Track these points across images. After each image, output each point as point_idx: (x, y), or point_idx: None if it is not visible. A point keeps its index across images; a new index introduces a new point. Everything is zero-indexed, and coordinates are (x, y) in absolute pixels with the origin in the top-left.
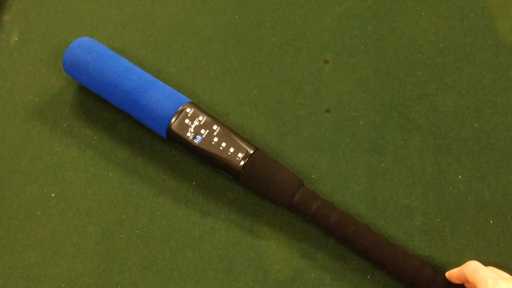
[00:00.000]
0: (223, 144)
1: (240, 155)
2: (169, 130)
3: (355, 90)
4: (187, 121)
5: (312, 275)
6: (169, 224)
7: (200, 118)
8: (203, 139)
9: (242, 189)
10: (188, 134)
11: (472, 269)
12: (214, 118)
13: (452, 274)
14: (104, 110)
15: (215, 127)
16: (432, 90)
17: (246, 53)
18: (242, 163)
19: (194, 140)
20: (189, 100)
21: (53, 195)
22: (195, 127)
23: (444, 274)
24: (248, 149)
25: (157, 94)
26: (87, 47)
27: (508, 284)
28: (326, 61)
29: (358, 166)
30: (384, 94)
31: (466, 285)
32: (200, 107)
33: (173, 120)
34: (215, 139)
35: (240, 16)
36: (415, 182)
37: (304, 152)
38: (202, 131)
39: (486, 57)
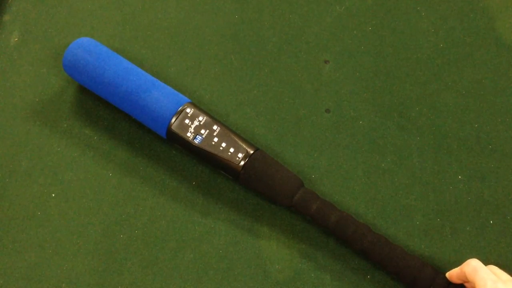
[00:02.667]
0: (223, 144)
1: (240, 155)
2: (169, 130)
3: (355, 90)
4: (187, 121)
5: (312, 275)
6: (169, 224)
7: (200, 118)
8: (203, 139)
9: (242, 189)
10: (188, 134)
11: (472, 268)
12: (214, 118)
13: (453, 273)
14: (104, 110)
15: (215, 127)
16: (432, 90)
17: (246, 53)
18: (242, 163)
19: (194, 140)
20: (189, 100)
21: (53, 195)
22: (195, 127)
23: (444, 275)
24: (248, 149)
25: (157, 95)
26: (87, 48)
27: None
28: (326, 61)
29: (358, 166)
30: (384, 94)
31: (466, 284)
32: (200, 107)
33: (173, 120)
34: (215, 139)
35: (240, 16)
36: (415, 182)
37: (304, 152)
38: (202, 131)
39: (486, 57)
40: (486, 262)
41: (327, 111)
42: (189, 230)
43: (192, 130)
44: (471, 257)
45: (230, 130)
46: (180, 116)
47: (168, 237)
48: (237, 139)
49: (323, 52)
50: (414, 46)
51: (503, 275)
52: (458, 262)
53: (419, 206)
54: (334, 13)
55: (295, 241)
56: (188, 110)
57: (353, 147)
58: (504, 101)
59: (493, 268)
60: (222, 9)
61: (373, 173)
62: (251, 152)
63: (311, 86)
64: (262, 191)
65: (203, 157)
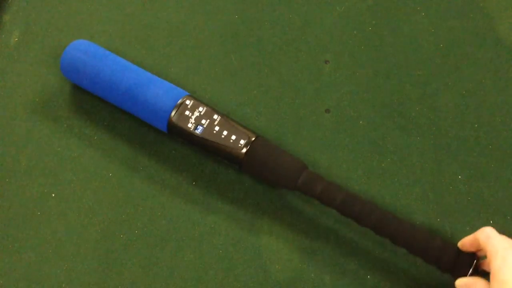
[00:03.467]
0: (225, 133)
1: (242, 142)
2: (169, 123)
3: (355, 90)
4: (187, 112)
5: (312, 275)
6: (169, 224)
7: (200, 109)
8: (204, 129)
9: (242, 189)
10: (189, 125)
11: (486, 235)
12: (214, 108)
13: (466, 241)
14: (103, 110)
15: (215, 116)
16: (432, 90)
17: (246, 53)
18: (244, 150)
19: (196, 130)
20: (188, 93)
21: (53, 195)
22: (195, 118)
23: (454, 244)
24: (250, 136)
25: (156, 89)
26: (83, 49)
27: None
28: (326, 61)
29: (358, 166)
30: (384, 94)
31: (478, 253)
32: (199, 99)
33: (173, 113)
34: (216, 128)
35: (240, 16)
36: (415, 182)
37: (304, 152)
38: (203, 121)
39: (486, 57)
40: None
41: (327, 111)
42: (189, 230)
43: (193, 121)
44: None
45: (230, 118)
46: (180, 108)
47: (168, 237)
48: (238, 126)
49: (323, 52)
50: (414, 46)
51: None
52: None
53: (419, 206)
54: (334, 13)
55: (295, 241)
56: (187, 102)
57: (353, 147)
58: (504, 101)
59: (508, 239)
60: (222, 9)
61: (373, 173)
62: (253, 138)
63: (311, 86)
64: (266, 175)
65: (205, 147)
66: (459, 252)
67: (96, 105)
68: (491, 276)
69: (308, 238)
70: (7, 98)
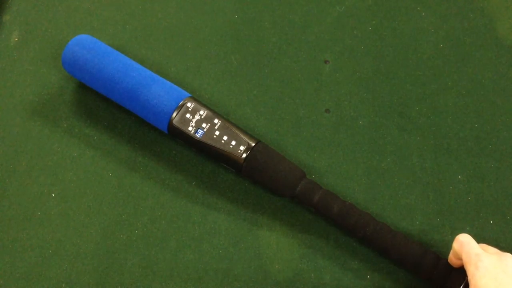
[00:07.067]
0: (225, 138)
1: (242, 148)
2: (170, 125)
3: (355, 90)
4: (188, 115)
5: (312, 275)
6: (169, 224)
7: (201, 112)
8: (204, 133)
9: (242, 189)
10: (190, 128)
11: (460, 243)
12: (215, 112)
13: (451, 255)
14: (104, 110)
15: (216, 120)
16: (432, 90)
17: (246, 53)
18: (244, 155)
19: (196, 134)
20: (189, 95)
21: (53, 195)
22: (196, 121)
23: (446, 260)
24: (250, 142)
25: (158, 90)
26: (86, 45)
27: (490, 259)
28: (326, 61)
29: (358, 166)
30: (384, 94)
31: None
32: (200, 102)
33: (174, 115)
34: (217, 133)
35: (240, 16)
36: (415, 182)
37: (304, 152)
38: (204, 125)
39: (486, 57)
40: None
41: (327, 111)
42: (189, 230)
43: (194, 125)
44: None
45: (231, 123)
46: (181, 111)
47: (168, 237)
48: (238, 132)
49: (323, 52)
50: (414, 46)
51: (491, 249)
52: None
53: (419, 206)
54: (334, 13)
55: (295, 241)
56: (188, 104)
57: (353, 147)
58: (504, 101)
59: (484, 246)
60: (222, 9)
61: (373, 173)
62: (253, 144)
63: (311, 86)
64: (265, 183)
65: (205, 151)
66: (451, 269)
67: (96, 105)
68: (469, 284)
69: (308, 238)
70: (7, 98)
